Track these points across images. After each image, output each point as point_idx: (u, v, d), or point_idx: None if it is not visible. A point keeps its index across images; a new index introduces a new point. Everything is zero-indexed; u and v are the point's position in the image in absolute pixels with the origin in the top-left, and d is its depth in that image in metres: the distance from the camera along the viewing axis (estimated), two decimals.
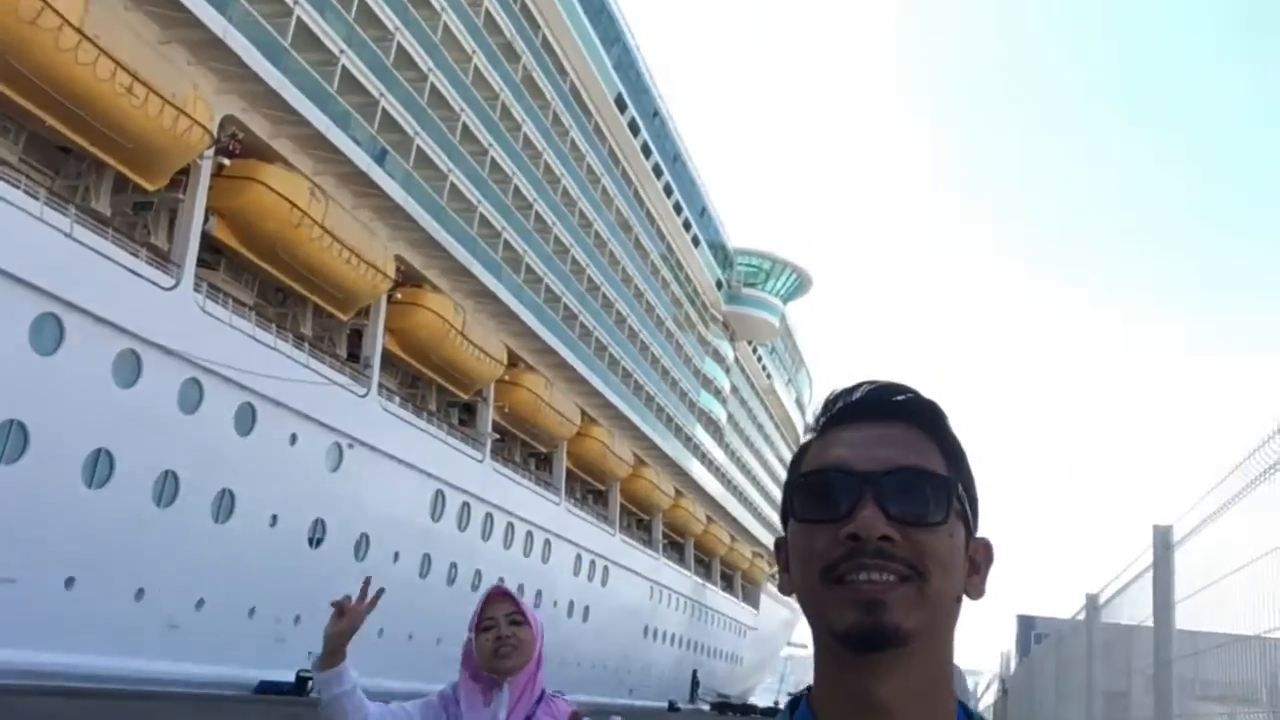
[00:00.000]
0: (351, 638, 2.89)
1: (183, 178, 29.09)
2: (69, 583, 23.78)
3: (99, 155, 26.84)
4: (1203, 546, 4.03)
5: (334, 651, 2.87)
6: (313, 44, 31.74)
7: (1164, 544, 4.48)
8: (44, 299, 23.06)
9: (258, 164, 30.72)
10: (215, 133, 28.65)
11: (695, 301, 72.50)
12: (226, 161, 30.12)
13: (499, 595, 2.92)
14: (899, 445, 0.97)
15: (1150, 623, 4.70)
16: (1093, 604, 6.55)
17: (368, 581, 2.98)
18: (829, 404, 1.04)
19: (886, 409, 1.00)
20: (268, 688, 29.51)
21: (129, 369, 25.26)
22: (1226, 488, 3.60)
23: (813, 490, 0.98)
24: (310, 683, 30.64)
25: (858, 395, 1.03)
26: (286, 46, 30.25)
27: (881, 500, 0.93)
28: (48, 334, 23.10)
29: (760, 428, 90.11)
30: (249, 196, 30.12)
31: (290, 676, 30.69)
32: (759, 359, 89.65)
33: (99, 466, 24.58)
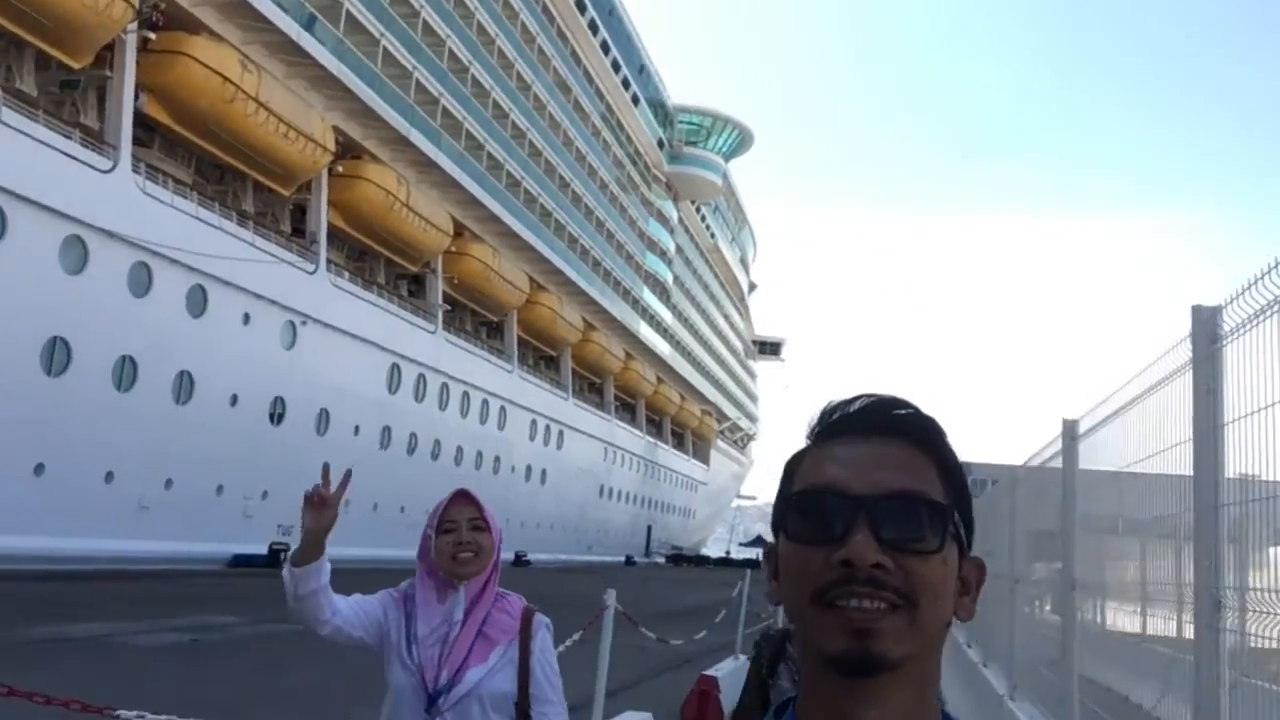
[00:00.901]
0: (328, 528, 2.76)
1: (108, 54, 28.18)
2: (38, 469, 24.21)
3: (19, 33, 25.91)
4: (1102, 439, 4.80)
5: (313, 545, 2.73)
6: None
7: (1070, 435, 5.27)
8: None
9: (184, 36, 29.78)
10: (137, 4, 27.62)
11: (637, 162, 72.07)
12: (152, 35, 29.15)
13: (463, 498, 2.84)
14: (896, 467, 0.95)
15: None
16: (1012, 476, 7.45)
17: (327, 468, 2.82)
18: (825, 415, 1.02)
19: (884, 424, 0.98)
20: (242, 560, 30.62)
21: (76, 256, 25.10)
22: (1124, 394, 4.34)
23: (806, 510, 0.96)
24: (279, 555, 31.86)
25: (855, 408, 1.00)
26: None
27: (876, 526, 0.92)
28: None
29: (706, 287, 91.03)
30: (179, 71, 29.31)
31: (262, 549, 31.82)
32: (702, 218, 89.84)
33: (56, 355, 24.70)
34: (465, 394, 46.33)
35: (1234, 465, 2.97)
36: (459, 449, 45.87)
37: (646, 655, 9.70)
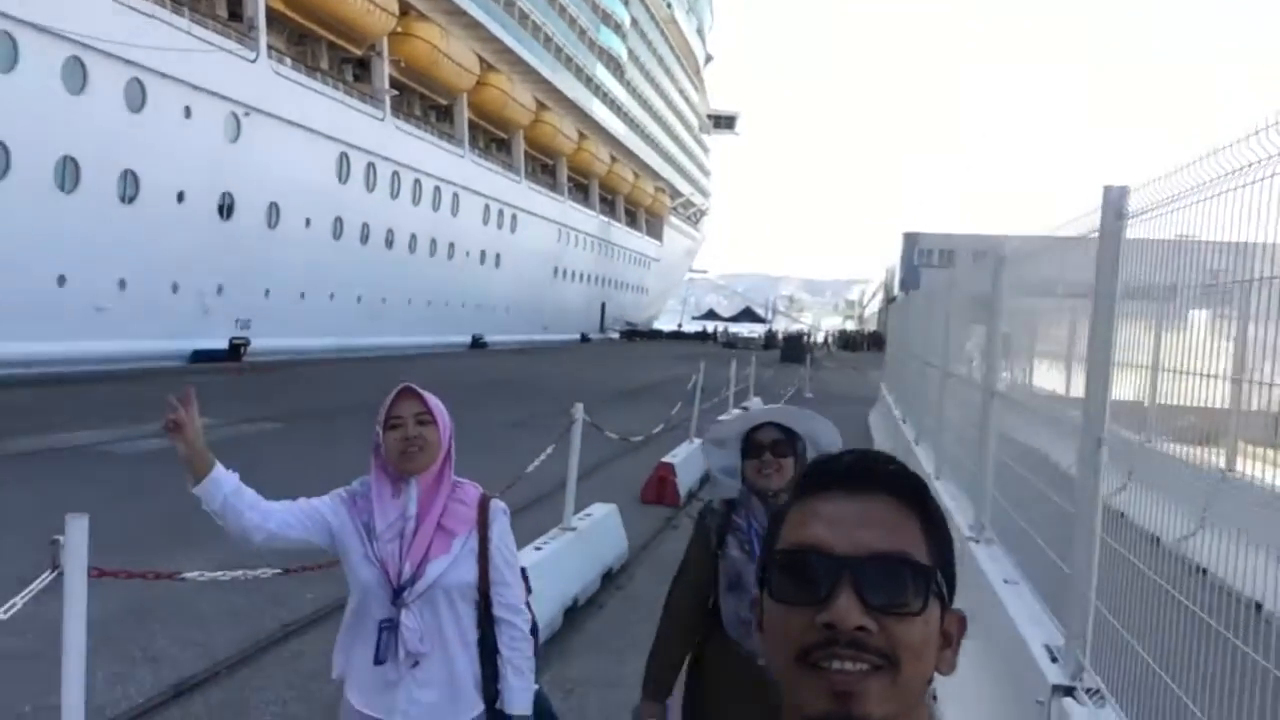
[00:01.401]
0: (199, 443, 2.69)
1: None
2: None
3: None
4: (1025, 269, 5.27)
5: (194, 464, 2.69)
6: None
7: (999, 262, 5.75)
8: None
9: None
10: None
11: None
12: None
13: (407, 394, 2.84)
14: (879, 526, 0.96)
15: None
16: (951, 279, 7.97)
17: (189, 393, 2.72)
18: (812, 470, 1.02)
19: (868, 479, 0.98)
20: (202, 355, 31.12)
21: (4, 52, 23.91)
22: (1043, 241, 4.78)
23: (789, 570, 0.96)
24: (238, 349, 32.39)
25: (840, 463, 1.01)
26: None
27: (860, 587, 0.92)
28: None
29: (661, 61, 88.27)
30: None
31: (222, 344, 32.30)
32: None
33: None
34: (417, 181, 45.72)
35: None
36: (413, 236, 45.76)
37: (606, 440, 10.42)
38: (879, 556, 0.94)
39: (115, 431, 14.99)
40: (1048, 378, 5.57)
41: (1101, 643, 3.56)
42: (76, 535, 2.74)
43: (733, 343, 73.02)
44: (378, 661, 2.75)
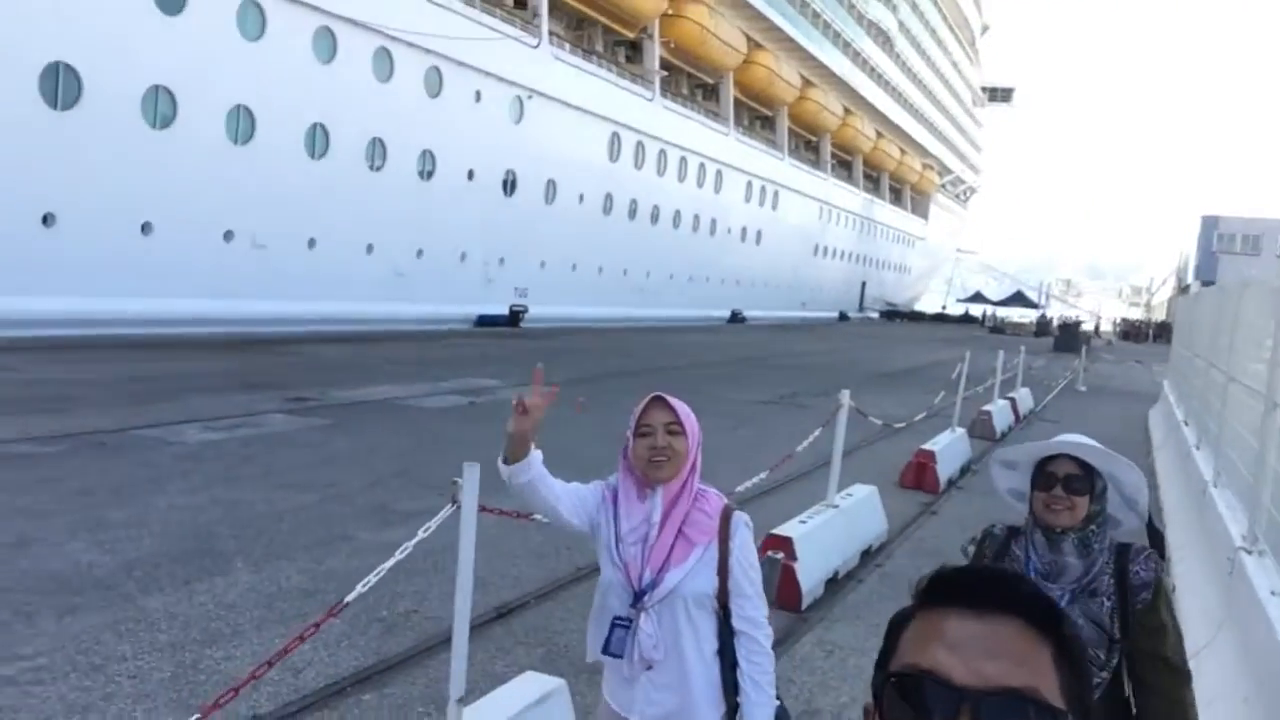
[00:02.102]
0: (532, 429, 2.80)
1: None
2: (310, 244, 27.18)
3: None
4: None
5: (517, 446, 2.80)
6: None
7: None
8: None
9: None
10: None
11: None
12: None
13: (659, 403, 2.83)
14: (1006, 656, 0.88)
15: None
16: (1244, 280, 7.68)
17: (540, 371, 2.86)
18: (936, 581, 0.96)
19: (999, 600, 0.92)
20: (485, 320, 33.78)
21: (326, 45, 26.85)
22: None
23: (905, 693, 0.90)
24: (517, 316, 34.77)
25: (969, 579, 0.95)
26: None
27: None
28: (251, 19, 24.69)
29: (933, 32, 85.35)
30: None
31: (503, 310, 34.87)
32: None
33: (316, 139, 27.04)
34: (682, 159, 46.98)
35: None
36: (677, 213, 47.11)
37: (866, 423, 10.72)
38: (1002, 692, 0.86)
39: (419, 386, 16.80)
40: None
41: None
42: (471, 480, 3.49)
43: (1000, 328, 70.06)
44: (604, 651, 2.81)
